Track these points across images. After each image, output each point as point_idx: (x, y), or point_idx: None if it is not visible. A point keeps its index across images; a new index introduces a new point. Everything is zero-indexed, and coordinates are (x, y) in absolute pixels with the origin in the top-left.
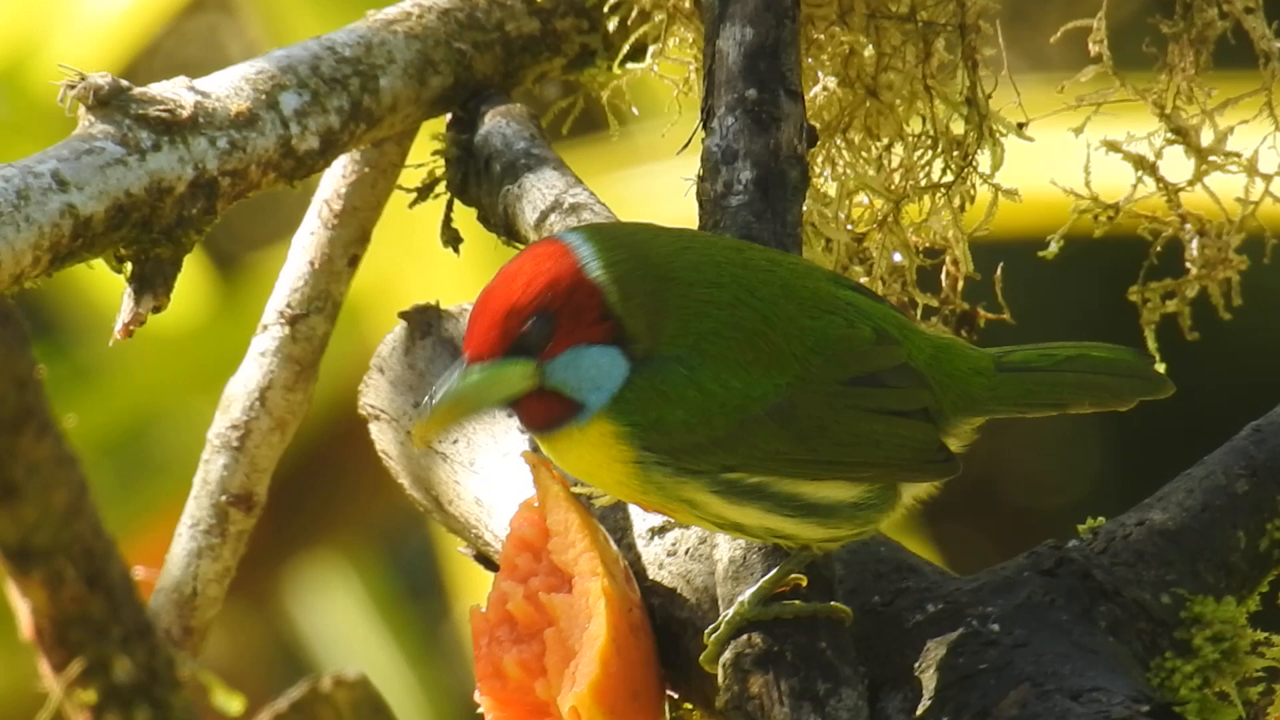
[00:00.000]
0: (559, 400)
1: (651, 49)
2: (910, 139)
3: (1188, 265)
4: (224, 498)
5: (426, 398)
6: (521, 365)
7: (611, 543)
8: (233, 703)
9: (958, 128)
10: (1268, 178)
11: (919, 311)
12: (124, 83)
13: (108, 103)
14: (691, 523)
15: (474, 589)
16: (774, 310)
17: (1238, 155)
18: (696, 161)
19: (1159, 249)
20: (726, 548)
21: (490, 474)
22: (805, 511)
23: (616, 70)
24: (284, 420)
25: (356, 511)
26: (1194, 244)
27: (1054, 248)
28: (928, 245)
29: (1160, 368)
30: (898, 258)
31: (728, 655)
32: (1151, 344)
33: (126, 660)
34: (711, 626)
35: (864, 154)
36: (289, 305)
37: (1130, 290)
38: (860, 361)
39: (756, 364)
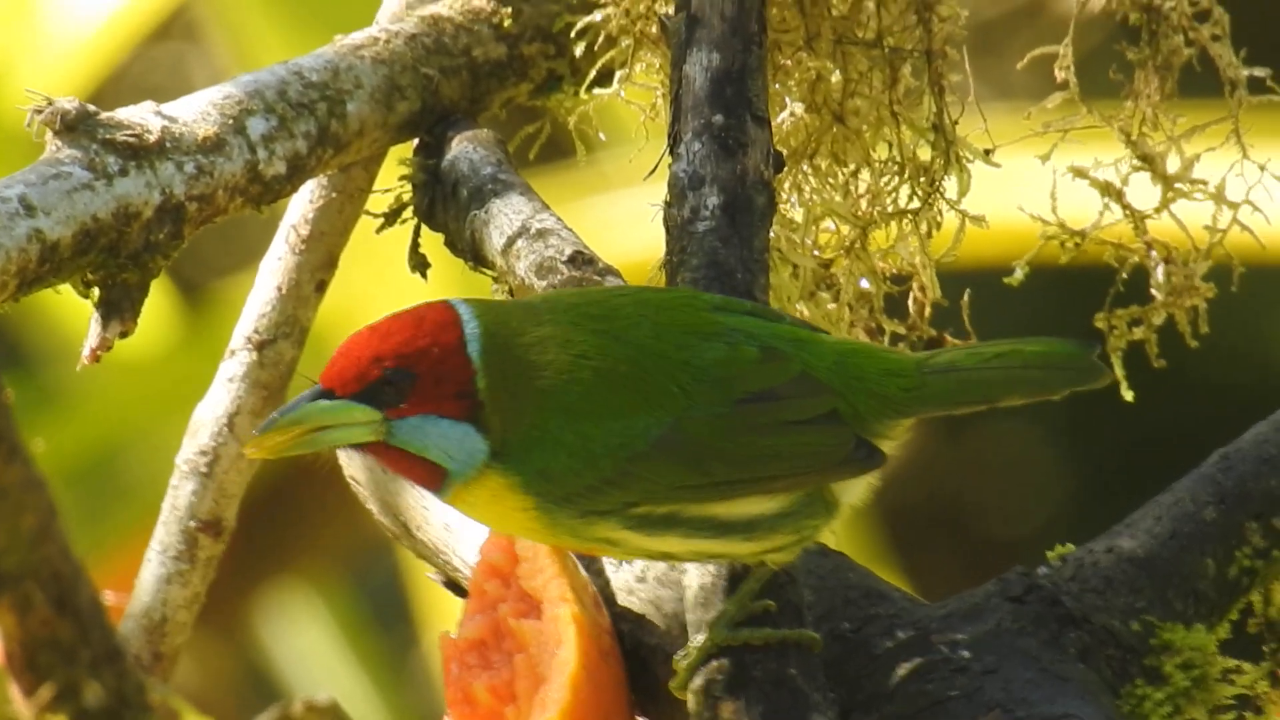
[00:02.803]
0: (412, 460)
1: (618, 74)
2: (877, 165)
3: (1153, 293)
4: (193, 523)
5: (274, 414)
6: (367, 412)
7: (581, 569)
8: None
9: (925, 154)
10: (1235, 206)
11: (886, 338)
12: (91, 108)
13: (75, 127)
14: (619, 558)
15: (442, 615)
16: (643, 352)
17: (1204, 183)
18: (663, 187)
19: (1125, 276)
20: (695, 574)
21: None
22: (724, 530)
23: (583, 95)
24: None
25: (325, 537)
26: (1159, 271)
27: (1019, 274)
28: (895, 271)
29: (1119, 371)
30: (865, 284)
31: (698, 681)
32: (1119, 370)
33: (96, 685)
34: (682, 652)
35: (831, 180)
36: (257, 331)
37: (1097, 317)
38: (747, 381)
39: (634, 406)
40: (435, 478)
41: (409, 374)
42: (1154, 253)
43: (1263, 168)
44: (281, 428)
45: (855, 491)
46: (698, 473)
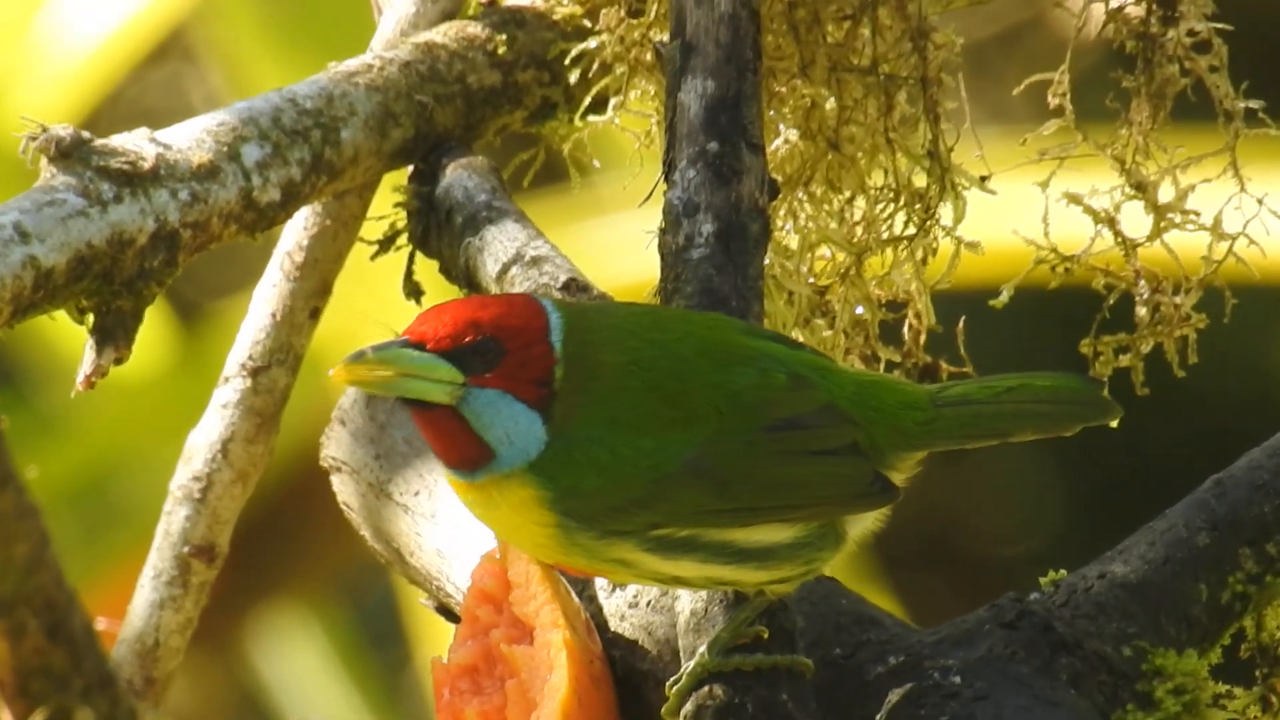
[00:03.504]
0: (467, 435)
1: (613, 101)
2: (872, 192)
3: (1136, 322)
4: (186, 549)
5: (366, 347)
6: (451, 372)
7: (573, 594)
8: None
9: (920, 180)
10: (1233, 238)
11: (881, 365)
12: (85, 134)
13: (69, 154)
14: (628, 581)
15: (435, 639)
16: (689, 369)
17: (1196, 213)
18: (658, 214)
19: (1113, 303)
20: (688, 600)
21: (451, 525)
22: (741, 557)
23: (578, 123)
24: (246, 472)
25: (318, 562)
26: (1145, 299)
27: (1005, 297)
28: (890, 298)
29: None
30: (860, 311)
31: (689, 707)
32: (1105, 392)
33: (89, 711)
34: (673, 678)
35: (826, 207)
36: (251, 357)
37: (1082, 343)
38: (776, 408)
39: (672, 424)
40: (478, 459)
41: (501, 347)
42: (1142, 281)
43: (1260, 201)
44: (369, 363)
45: (863, 526)
46: (723, 497)
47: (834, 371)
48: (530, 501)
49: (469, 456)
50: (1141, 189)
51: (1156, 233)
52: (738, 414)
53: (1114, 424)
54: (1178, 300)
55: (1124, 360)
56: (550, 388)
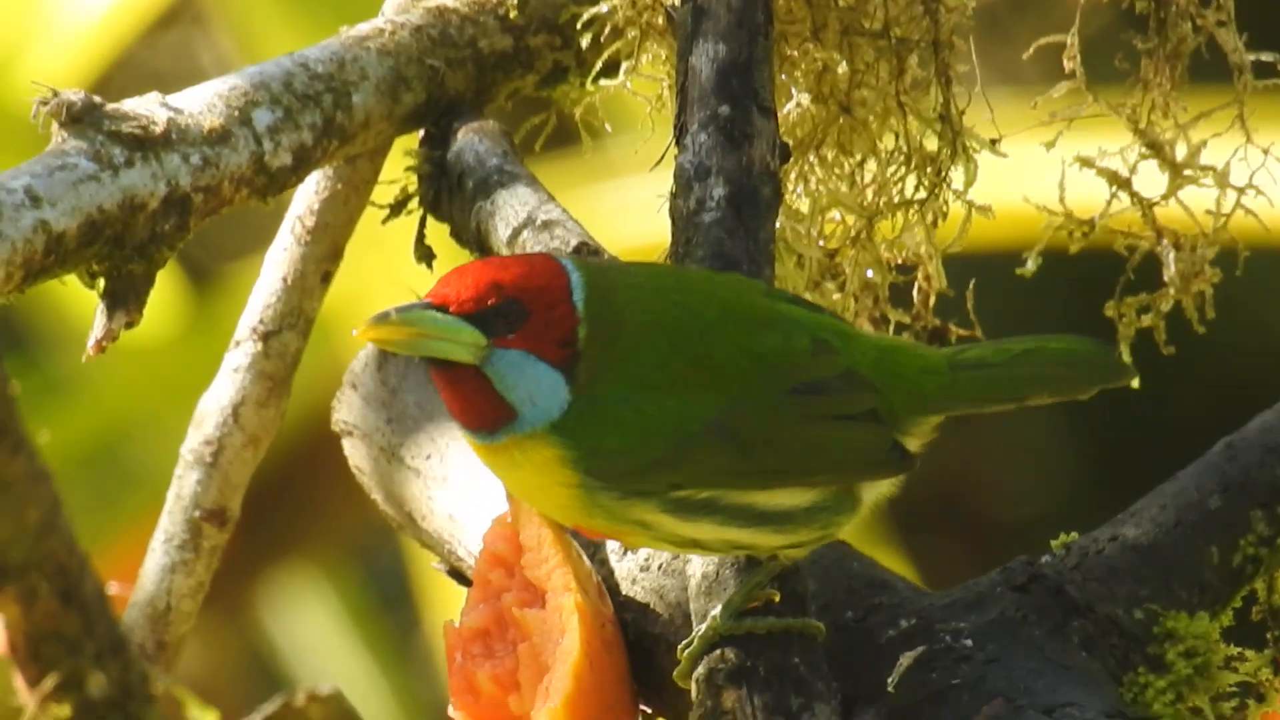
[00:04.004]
0: (490, 395)
1: (625, 65)
2: (883, 155)
3: (1166, 280)
4: (197, 513)
5: (390, 309)
6: (474, 335)
7: (585, 558)
8: (207, 717)
9: (931, 144)
10: (1240, 190)
11: (891, 328)
12: (97, 99)
13: (80, 119)
14: (644, 544)
15: (446, 602)
16: (714, 331)
17: (1211, 169)
18: (669, 178)
19: (1134, 264)
20: (699, 563)
21: (463, 489)
22: (760, 521)
23: (590, 87)
24: (257, 436)
25: (329, 526)
26: (1171, 259)
27: (1031, 266)
28: (900, 262)
29: (1126, 358)
30: (870, 274)
31: (701, 670)
32: (1126, 358)
33: (100, 676)
34: (684, 642)
35: (837, 170)
36: (262, 321)
37: (1107, 306)
38: (800, 371)
39: (697, 385)
40: (499, 419)
41: (524, 309)
42: (1164, 240)
43: (1266, 152)
44: (394, 324)
45: (878, 491)
46: (747, 459)
47: (854, 336)
48: (553, 461)
49: (491, 417)
50: (1156, 148)
51: (1172, 190)
52: (762, 377)
53: (1135, 385)
54: (1195, 256)
55: (1146, 320)
56: (574, 348)
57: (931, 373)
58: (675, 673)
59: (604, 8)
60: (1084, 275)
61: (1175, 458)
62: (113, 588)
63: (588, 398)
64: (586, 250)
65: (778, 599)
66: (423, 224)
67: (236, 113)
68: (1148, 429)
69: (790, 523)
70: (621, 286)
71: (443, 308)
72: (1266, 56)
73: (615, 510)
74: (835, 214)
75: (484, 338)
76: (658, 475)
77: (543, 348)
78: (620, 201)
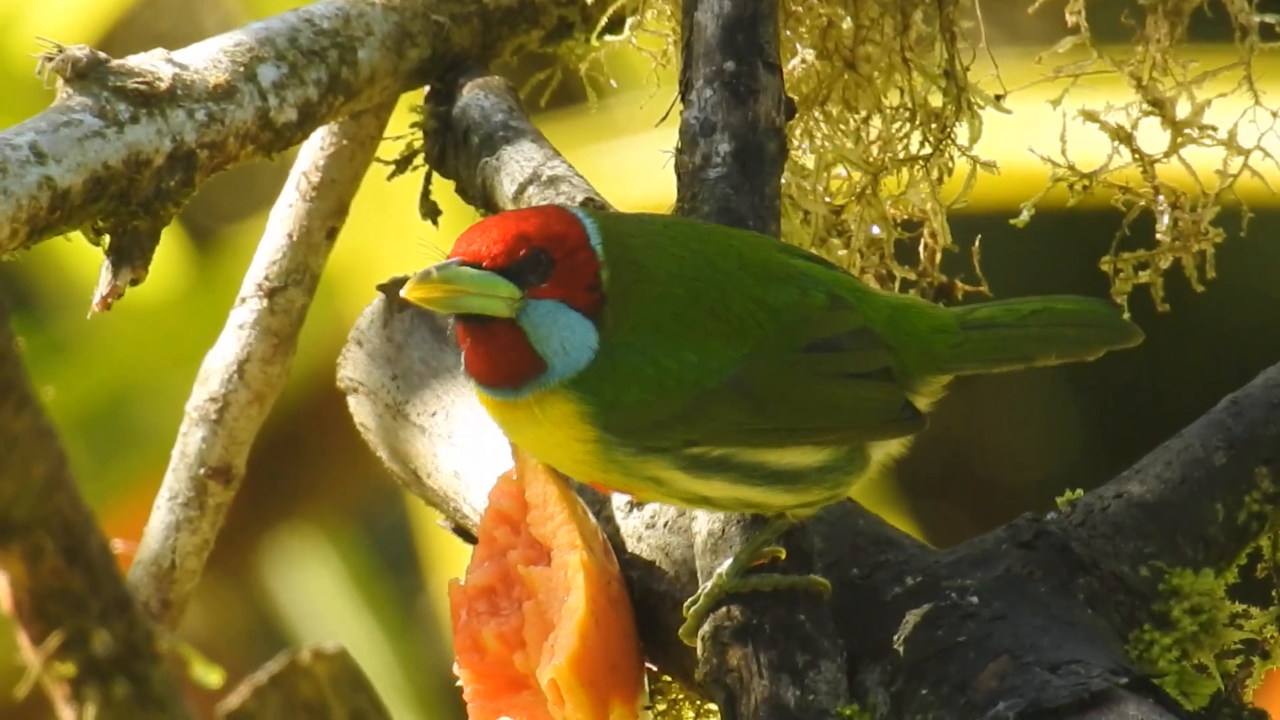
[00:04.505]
0: (523, 348)
1: (630, 21)
2: (888, 111)
3: (1159, 237)
4: (202, 470)
5: (430, 267)
6: (509, 288)
7: (590, 515)
8: (211, 676)
9: (936, 100)
10: (1246, 152)
11: (897, 284)
12: (102, 55)
13: (85, 75)
14: (655, 499)
15: (451, 561)
16: (731, 283)
17: (1214, 129)
18: (675, 134)
19: (1133, 220)
20: (705, 521)
21: (468, 447)
22: (772, 479)
23: (594, 42)
24: (262, 393)
25: (334, 484)
26: (1166, 216)
27: (1025, 216)
28: (906, 218)
29: (1126, 317)
30: (876, 230)
31: (706, 628)
32: (1125, 315)
33: (105, 633)
34: (690, 599)
35: (842, 126)
36: (267, 278)
37: (1102, 260)
38: (816, 328)
39: (715, 336)
40: (528, 372)
41: (550, 258)
42: (1161, 198)
43: (1275, 114)
44: (435, 283)
45: (886, 451)
46: (762, 415)
47: (868, 294)
48: (572, 416)
49: (519, 370)
50: (1159, 105)
51: (1174, 148)
52: (779, 331)
53: (1135, 345)
54: (1196, 215)
55: (1143, 276)
56: (600, 292)
57: (943, 331)
58: (681, 630)
59: None
60: (1091, 233)
61: (1179, 419)
62: (118, 545)
63: (608, 348)
64: (592, 206)
65: (783, 556)
66: (428, 180)
67: (242, 69)
68: (1151, 391)
69: (801, 482)
70: (638, 233)
71: (475, 264)
72: (1271, 19)
73: (631, 466)
74: (840, 170)
75: (518, 290)
76: (674, 430)
77: (572, 294)
78: (625, 158)
